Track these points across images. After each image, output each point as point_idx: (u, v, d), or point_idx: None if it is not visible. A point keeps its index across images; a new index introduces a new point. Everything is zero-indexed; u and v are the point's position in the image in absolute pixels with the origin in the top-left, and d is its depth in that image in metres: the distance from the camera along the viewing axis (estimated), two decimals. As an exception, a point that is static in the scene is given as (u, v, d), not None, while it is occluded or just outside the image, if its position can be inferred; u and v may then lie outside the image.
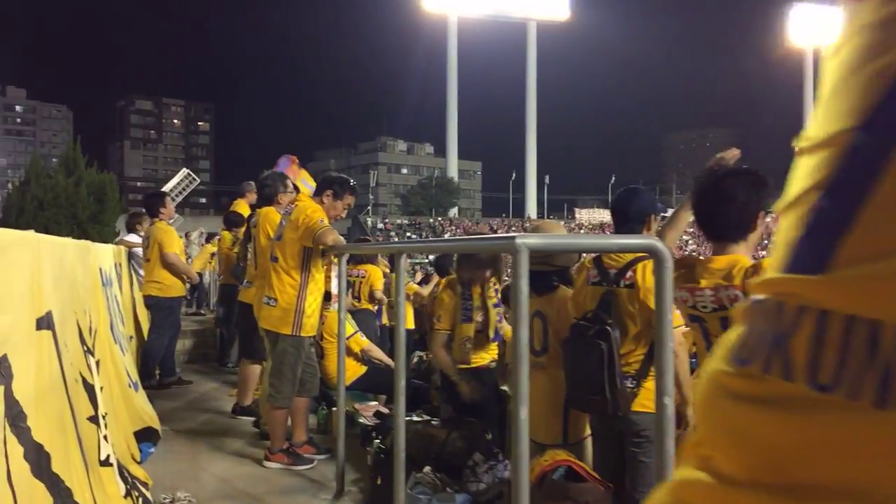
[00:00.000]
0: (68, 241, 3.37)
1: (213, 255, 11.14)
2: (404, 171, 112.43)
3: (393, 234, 68.25)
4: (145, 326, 8.55)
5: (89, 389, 3.19)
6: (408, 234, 69.29)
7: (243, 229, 8.39)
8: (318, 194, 4.72)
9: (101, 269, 4.58)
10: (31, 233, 2.48)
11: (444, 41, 78.66)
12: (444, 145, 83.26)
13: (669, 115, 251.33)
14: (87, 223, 32.73)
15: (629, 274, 3.11)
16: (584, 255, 3.72)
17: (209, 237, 14.21)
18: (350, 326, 6.12)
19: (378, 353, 6.35)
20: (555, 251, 3.35)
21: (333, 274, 4.77)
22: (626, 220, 3.26)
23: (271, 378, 4.62)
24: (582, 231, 74.17)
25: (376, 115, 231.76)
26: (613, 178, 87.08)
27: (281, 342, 4.55)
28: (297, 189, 5.68)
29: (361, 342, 6.27)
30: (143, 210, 8.07)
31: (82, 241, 4.06)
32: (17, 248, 2.22)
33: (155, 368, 7.31)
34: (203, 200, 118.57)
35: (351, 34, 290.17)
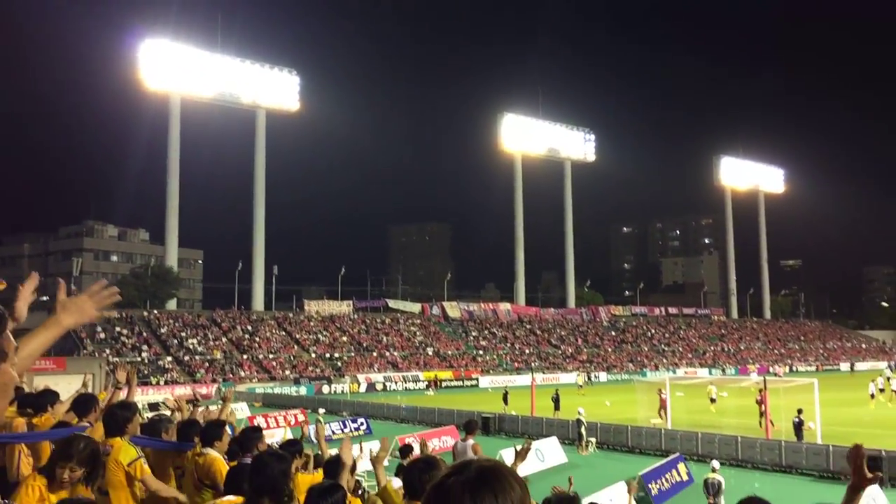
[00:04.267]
0: None
1: None
2: (114, 258, 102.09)
3: (99, 329, 59.91)
4: None
5: None
6: (117, 328, 61.41)
7: None
8: None
9: None
10: None
11: (166, 122, 73.73)
12: (162, 232, 76.88)
13: (393, 209, 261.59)
14: None
15: None
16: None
17: None
18: None
19: None
20: None
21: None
22: None
23: None
24: (312, 323, 71.45)
25: (83, 196, 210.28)
26: (343, 269, 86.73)
27: None
28: None
29: None
30: None
31: None
32: None
33: None
34: None
35: (58, 107, 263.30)
